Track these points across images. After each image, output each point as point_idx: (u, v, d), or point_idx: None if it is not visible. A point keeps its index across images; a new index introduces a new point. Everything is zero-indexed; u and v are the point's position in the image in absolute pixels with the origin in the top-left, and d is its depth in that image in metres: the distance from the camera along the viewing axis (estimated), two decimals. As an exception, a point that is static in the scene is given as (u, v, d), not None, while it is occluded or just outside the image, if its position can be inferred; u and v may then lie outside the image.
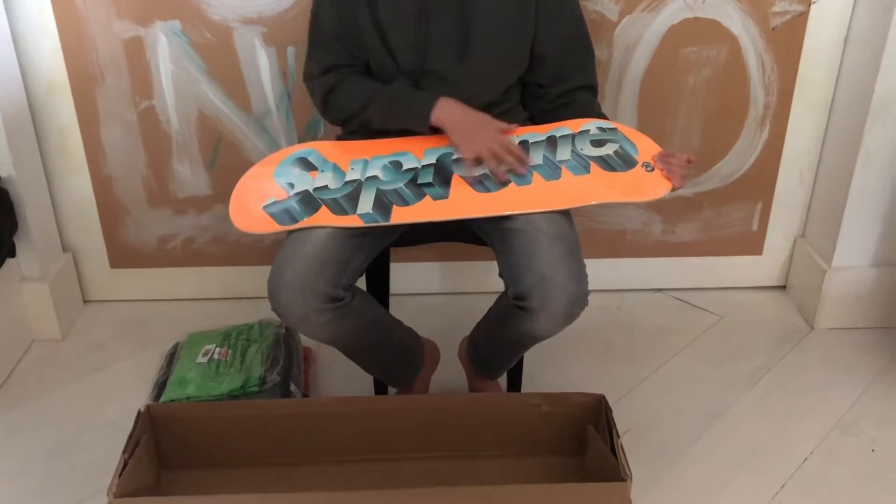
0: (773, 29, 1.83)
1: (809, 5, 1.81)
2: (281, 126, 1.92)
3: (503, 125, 1.40)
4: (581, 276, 1.31)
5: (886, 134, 1.78)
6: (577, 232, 1.39)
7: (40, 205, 1.93)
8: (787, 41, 1.85)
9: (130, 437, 1.37)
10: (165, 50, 1.82)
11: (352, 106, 1.46)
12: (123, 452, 1.33)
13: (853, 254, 1.93)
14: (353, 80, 1.47)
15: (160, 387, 1.68)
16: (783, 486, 1.53)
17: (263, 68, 1.85)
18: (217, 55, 1.83)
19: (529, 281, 1.28)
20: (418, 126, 1.41)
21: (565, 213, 1.38)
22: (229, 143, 1.93)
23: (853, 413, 1.72)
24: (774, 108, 1.93)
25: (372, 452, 1.50)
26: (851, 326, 1.99)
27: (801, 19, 1.82)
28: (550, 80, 1.51)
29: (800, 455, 1.60)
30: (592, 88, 1.56)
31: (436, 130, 1.41)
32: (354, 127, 1.49)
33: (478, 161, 1.36)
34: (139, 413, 1.41)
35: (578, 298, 1.30)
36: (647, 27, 1.83)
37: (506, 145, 1.36)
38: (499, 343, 1.51)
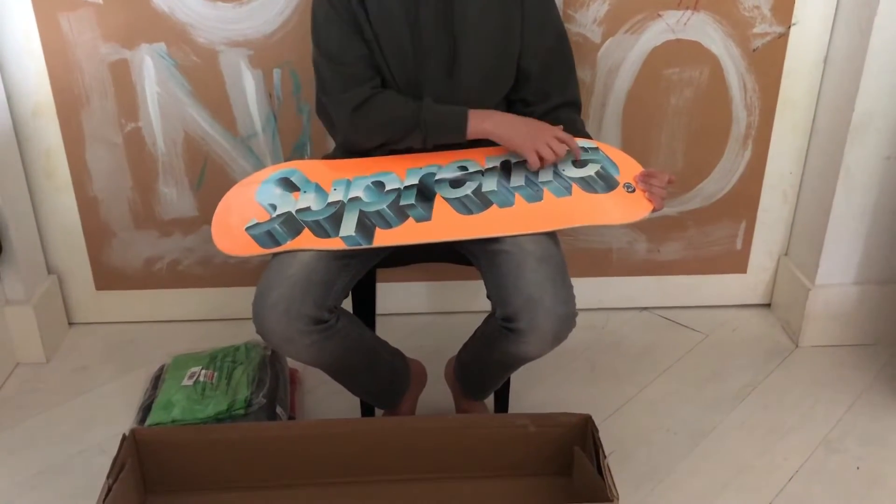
0: (753, 50, 1.86)
1: (789, 27, 1.83)
2: (267, 148, 1.92)
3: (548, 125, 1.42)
4: (569, 298, 1.31)
5: (866, 153, 1.80)
6: (564, 252, 1.40)
7: (25, 227, 1.92)
8: (767, 62, 1.87)
9: (115, 461, 1.35)
10: (151, 72, 1.83)
11: (384, 120, 1.41)
12: (108, 477, 1.32)
13: (836, 271, 1.94)
14: (386, 96, 1.41)
15: (145, 410, 1.67)
16: (769, 504, 1.54)
17: (249, 90, 1.85)
18: (203, 78, 1.84)
19: (517, 303, 1.28)
20: (457, 140, 1.41)
21: (551, 235, 1.38)
22: (215, 165, 1.93)
23: (838, 430, 1.72)
24: (756, 128, 1.95)
25: (359, 474, 1.49)
26: (835, 344, 2.00)
27: (781, 40, 1.85)
28: (534, 96, 1.52)
29: (786, 473, 1.61)
30: (576, 105, 1.57)
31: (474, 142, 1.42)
32: (380, 146, 1.45)
33: (540, 161, 1.37)
34: (124, 437, 1.40)
35: (566, 320, 1.30)
36: (630, 49, 1.85)
37: (562, 137, 1.39)
38: (486, 364, 1.51)
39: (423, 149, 1.44)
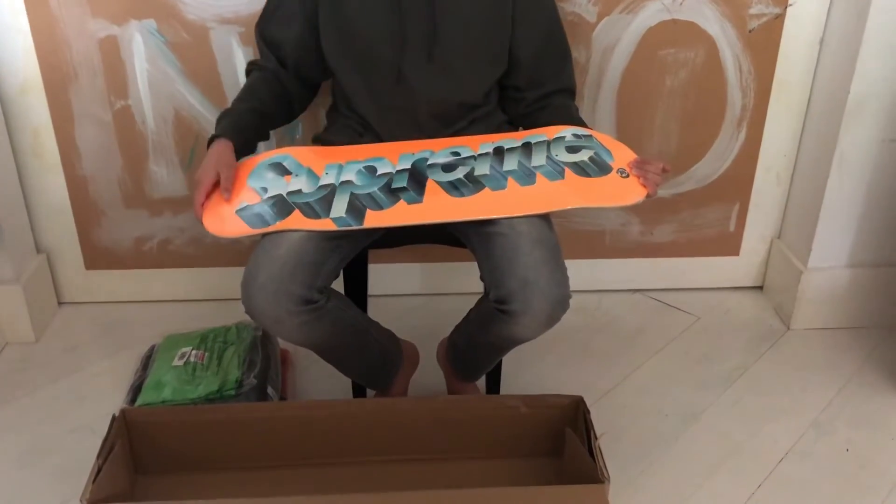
0: (749, 31, 1.84)
1: (786, 8, 1.82)
2: (258, 127, 1.90)
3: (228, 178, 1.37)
4: (563, 280, 1.31)
5: (861, 135, 1.80)
6: (557, 234, 1.39)
7: (13, 206, 1.90)
8: (763, 43, 1.86)
9: (105, 441, 1.35)
10: (141, 49, 1.81)
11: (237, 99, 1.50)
12: (98, 457, 1.31)
13: (829, 255, 1.94)
14: (248, 82, 1.52)
15: (136, 390, 1.66)
16: (759, 486, 1.54)
17: (240, 69, 1.83)
18: (194, 55, 1.81)
19: (512, 285, 1.28)
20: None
21: (545, 218, 1.38)
22: (206, 144, 1.90)
23: (828, 413, 1.73)
24: (751, 110, 1.94)
25: (350, 455, 1.49)
26: (827, 326, 2.00)
27: (777, 21, 1.84)
28: (527, 83, 1.50)
29: (776, 455, 1.62)
30: (570, 92, 1.56)
31: None
32: None
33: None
34: (114, 417, 1.40)
35: (560, 302, 1.30)
36: (625, 29, 1.83)
37: (203, 182, 1.37)
38: (479, 346, 1.51)
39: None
